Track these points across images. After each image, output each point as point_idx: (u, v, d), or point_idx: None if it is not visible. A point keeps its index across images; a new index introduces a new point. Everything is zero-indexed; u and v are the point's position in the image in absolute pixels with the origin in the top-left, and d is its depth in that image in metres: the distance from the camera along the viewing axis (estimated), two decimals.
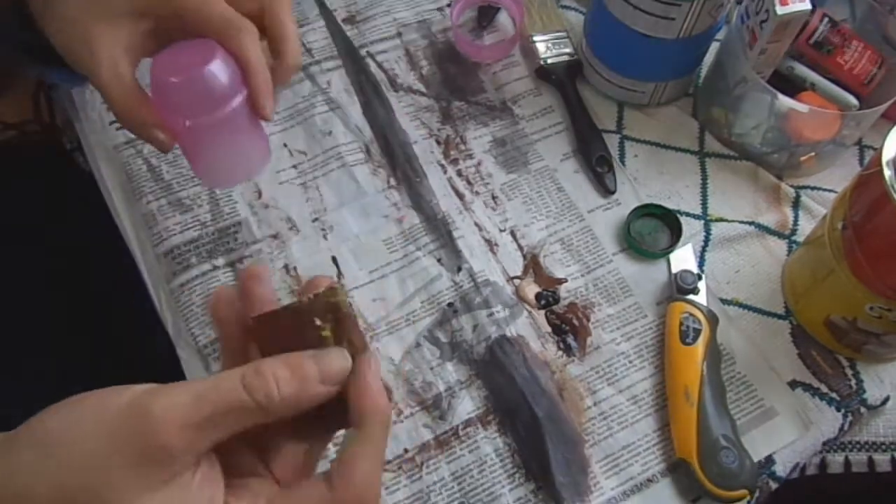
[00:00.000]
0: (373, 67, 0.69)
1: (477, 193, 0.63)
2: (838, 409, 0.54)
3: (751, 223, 0.62)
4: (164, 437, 0.25)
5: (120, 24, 0.42)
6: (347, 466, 0.29)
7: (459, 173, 0.64)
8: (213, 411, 0.27)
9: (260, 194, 0.61)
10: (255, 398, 0.27)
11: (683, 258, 0.59)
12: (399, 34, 0.71)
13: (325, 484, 0.29)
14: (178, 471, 0.26)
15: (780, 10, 0.54)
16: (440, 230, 0.61)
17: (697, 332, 0.54)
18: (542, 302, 0.58)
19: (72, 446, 0.26)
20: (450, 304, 0.57)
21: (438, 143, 0.65)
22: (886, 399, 0.56)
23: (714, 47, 0.66)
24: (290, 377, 0.28)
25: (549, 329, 0.57)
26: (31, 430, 0.27)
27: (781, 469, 0.53)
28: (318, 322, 0.30)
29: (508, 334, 0.56)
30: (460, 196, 0.63)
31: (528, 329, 0.57)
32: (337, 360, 0.30)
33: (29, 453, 0.26)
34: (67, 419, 0.27)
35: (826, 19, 0.62)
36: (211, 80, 0.41)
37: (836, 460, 0.57)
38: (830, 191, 0.64)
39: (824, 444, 0.54)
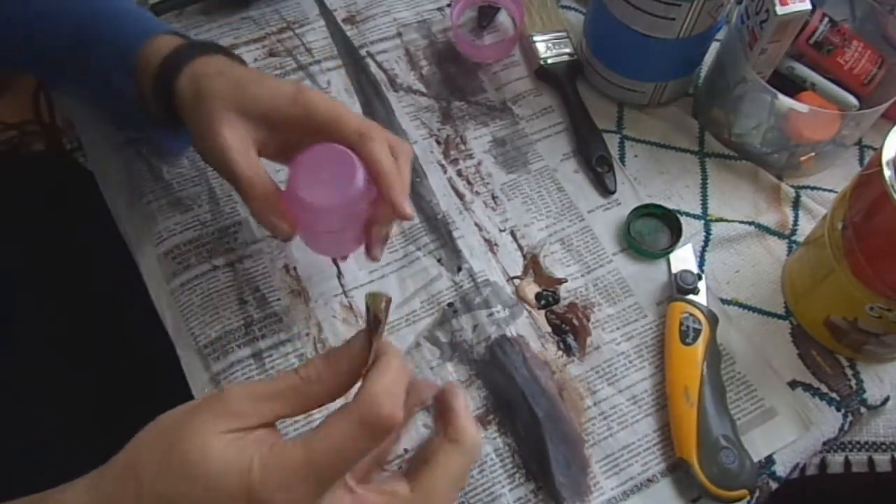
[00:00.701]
0: (373, 67, 0.69)
1: (477, 193, 0.63)
2: (838, 409, 0.54)
3: (751, 223, 0.62)
4: (236, 401, 0.33)
5: (253, 124, 0.47)
6: (364, 385, 0.34)
7: (459, 173, 0.64)
8: (272, 387, 0.34)
9: None
10: (299, 374, 0.35)
11: (683, 258, 0.59)
12: (399, 34, 0.71)
13: (344, 405, 0.34)
14: (239, 426, 0.33)
15: (780, 10, 0.54)
16: (440, 230, 0.61)
17: (697, 332, 0.54)
18: (542, 302, 0.58)
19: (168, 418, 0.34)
20: (450, 304, 0.57)
21: (438, 143, 0.65)
22: (886, 399, 0.56)
23: (714, 47, 0.66)
24: (322, 357, 0.35)
25: (549, 329, 0.57)
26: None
27: (781, 469, 0.53)
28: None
29: (508, 334, 0.56)
30: (460, 196, 0.63)
31: (528, 329, 0.57)
32: (356, 339, 0.36)
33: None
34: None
35: (826, 19, 0.62)
36: (353, 203, 0.46)
37: (836, 460, 0.57)
38: (830, 191, 0.64)
39: (824, 444, 0.54)
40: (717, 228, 0.62)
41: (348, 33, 0.71)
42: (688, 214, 0.62)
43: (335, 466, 0.33)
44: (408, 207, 0.47)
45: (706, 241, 0.61)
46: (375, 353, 0.36)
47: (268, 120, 0.47)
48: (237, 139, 0.45)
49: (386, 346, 0.36)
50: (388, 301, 0.35)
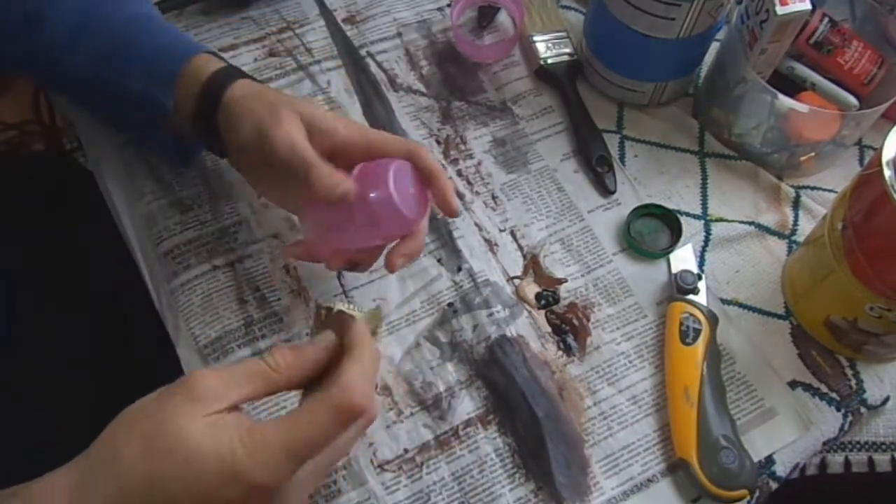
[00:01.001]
0: (373, 67, 0.69)
1: (477, 193, 0.63)
2: (838, 409, 0.54)
3: (751, 223, 0.62)
4: (204, 385, 0.36)
5: (304, 122, 0.48)
6: (337, 375, 0.38)
7: (459, 173, 0.64)
8: (240, 372, 0.38)
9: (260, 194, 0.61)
10: (266, 362, 0.38)
11: (683, 258, 0.59)
12: (399, 34, 0.71)
13: (320, 392, 0.37)
14: (213, 410, 0.35)
15: (780, 10, 0.54)
16: (440, 230, 0.61)
17: (697, 332, 0.54)
18: (542, 302, 0.58)
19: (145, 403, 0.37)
20: (450, 304, 0.58)
21: (438, 143, 0.65)
22: (886, 399, 0.56)
23: (714, 47, 0.66)
24: (289, 349, 0.39)
25: (549, 329, 0.57)
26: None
27: (781, 469, 0.53)
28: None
29: (508, 334, 0.56)
30: (460, 196, 0.63)
31: (528, 329, 0.57)
32: (324, 336, 0.40)
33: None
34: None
35: (826, 19, 0.62)
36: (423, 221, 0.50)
37: (836, 460, 0.57)
38: (830, 191, 0.64)
39: (824, 444, 0.54)
40: (717, 228, 0.62)
41: (348, 33, 0.71)
42: (688, 214, 0.62)
43: (311, 448, 0.36)
44: (458, 205, 0.51)
45: (706, 241, 0.61)
46: (348, 343, 0.40)
47: (314, 124, 0.49)
48: (298, 130, 0.48)
49: (358, 335, 0.40)
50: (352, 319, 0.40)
